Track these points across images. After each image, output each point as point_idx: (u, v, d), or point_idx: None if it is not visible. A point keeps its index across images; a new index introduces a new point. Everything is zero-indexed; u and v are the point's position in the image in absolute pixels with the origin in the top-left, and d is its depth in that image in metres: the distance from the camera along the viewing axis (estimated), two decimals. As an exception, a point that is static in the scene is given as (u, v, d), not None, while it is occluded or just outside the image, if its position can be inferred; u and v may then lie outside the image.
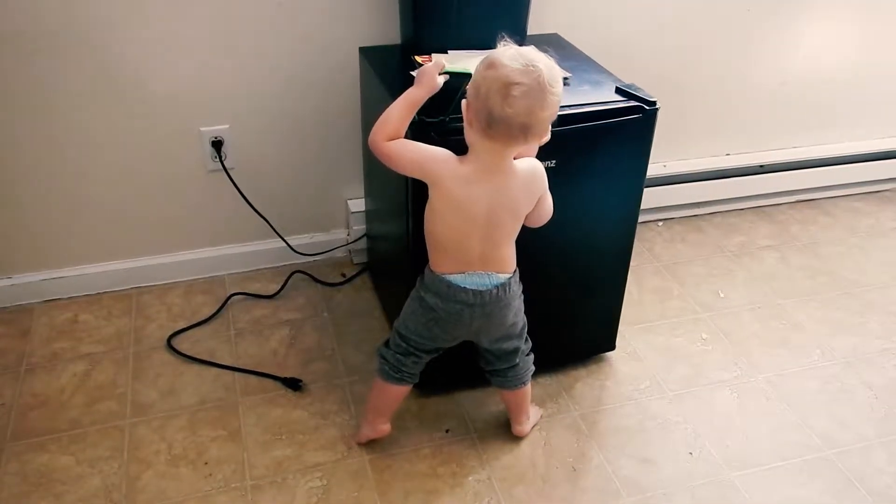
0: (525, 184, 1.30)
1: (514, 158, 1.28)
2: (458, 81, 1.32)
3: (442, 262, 1.36)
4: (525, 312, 1.46)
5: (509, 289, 1.38)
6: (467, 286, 1.35)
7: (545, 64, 1.18)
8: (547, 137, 1.26)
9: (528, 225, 1.36)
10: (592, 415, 1.67)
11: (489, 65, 1.19)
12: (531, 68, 1.16)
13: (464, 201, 1.28)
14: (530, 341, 1.52)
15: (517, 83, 1.15)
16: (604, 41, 1.87)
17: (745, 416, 1.68)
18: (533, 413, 1.62)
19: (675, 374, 1.79)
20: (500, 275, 1.36)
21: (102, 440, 1.57)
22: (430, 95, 1.29)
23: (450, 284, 1.35)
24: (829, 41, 2.28)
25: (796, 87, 2.32)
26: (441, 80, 1.30)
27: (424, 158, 1.28)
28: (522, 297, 1.44)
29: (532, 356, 1.54)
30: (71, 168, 1.83)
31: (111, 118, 1.79)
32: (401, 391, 1.51)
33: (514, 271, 1.39)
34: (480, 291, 1.35)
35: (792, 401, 1.73)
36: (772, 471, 1.56)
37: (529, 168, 1.30)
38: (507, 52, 1.19)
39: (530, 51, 1.19)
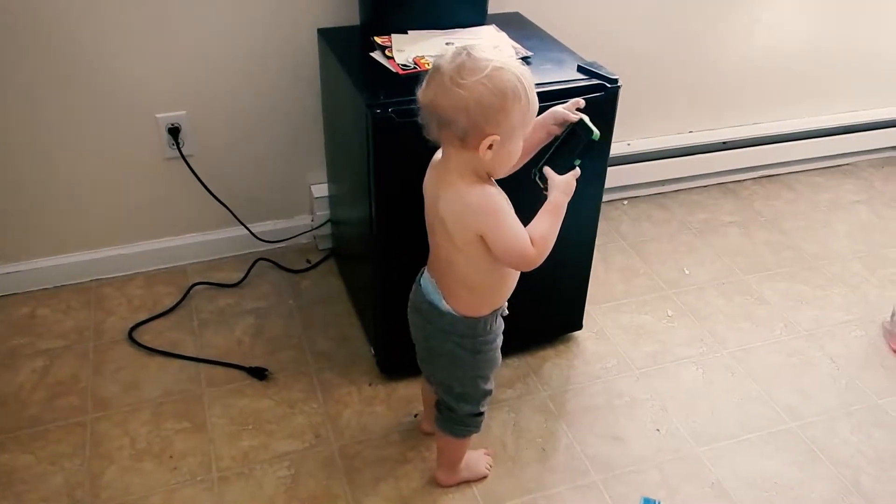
0: (454, 206, 1.16)
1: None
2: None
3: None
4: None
5: (441, 318, 1.25)
6: (420, 282, 1.31)
7: (474, 56, 1.08)
8: (479, 151, 1.10)
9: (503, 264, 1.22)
10: (561, 395, 1.68)
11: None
12: (454, 56, 1.09)
13: (426, 183, 1.24)
14: (478, 409, 1.35)
15: (434, 67, 1.10)
16: (566, 19, 1.86)
17: (711, 391, 1.70)
18: (465, 472, 1.45)
19: (642, 351, 1.80)
20: (444, 301, 1.25)
21: (64, 437, 1.53)
22: None
23: (420, 273, 1.32)
24: (790, 17, 2.29)
25: (758, 64, 2.33)
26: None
27: None
28: (477, 356, 1.29)
29: (467, 427, 1.37)
30: (22, 158, 1.77)
31: (63, 106, 1.74)
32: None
33: (465, 317, 1.24)
34: (422, 292, 1.29)
35: (756, 374, 1.75)
36: (738, 444, 1.58)
37: (466, 194, 1.14)
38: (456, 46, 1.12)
39: (488, 49, 1.11)
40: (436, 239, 1.24)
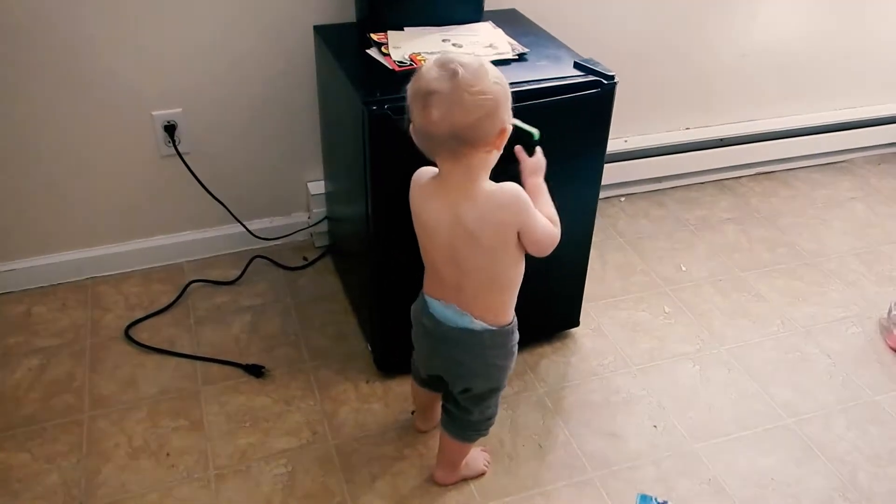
0: (485, 212, 1.15)
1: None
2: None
3: (426, 281, 1.30)
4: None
5: (478, 339, 1.25)
6: (434, 312, 1.27)
7: (464, 63, 1.08)
8: (496, 145, 1.13)
9: (530, 253, 1.23)
10: (558, 391, 1.68)
11: (413, 78, 1.12)
12: (443, 72, 1.07)
13: (420, 215, 1.22)
14: (493, 411, 1.38)
15: (431, 91, 1.08)
16: (562, 16, 1.86)
17: (708, 388, 1.70)
18: (464, 470, 1.46)
19: (639, 348, 1.80)
20: (476, 320, 1.23)
21: (60, 435, 1.53)
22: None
23: (424, 303, 1.30)
24: (787, 14, 2.29)
25: (755, 60, 2.33)
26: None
27: None
28: (508, 359, 1.30)
29: (479, 431, 1.39)
30: (17, 156, 1.76)
31: (58, 104, 1.73)
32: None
33: (503, 326, 1.26)
34: (443, 323, 1.26)
35: (753, 371, 1.75)
36: (734, 440, 1.58)
37: (495, 195, 1.15)
38: (430, 60, 1.12)
39: (453, 53, 1.13)
40: (457, 259, 1.20)
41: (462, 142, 1.10)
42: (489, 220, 1.16)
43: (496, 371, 1.31)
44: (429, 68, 1.10)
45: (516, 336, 1.31)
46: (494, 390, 1.35)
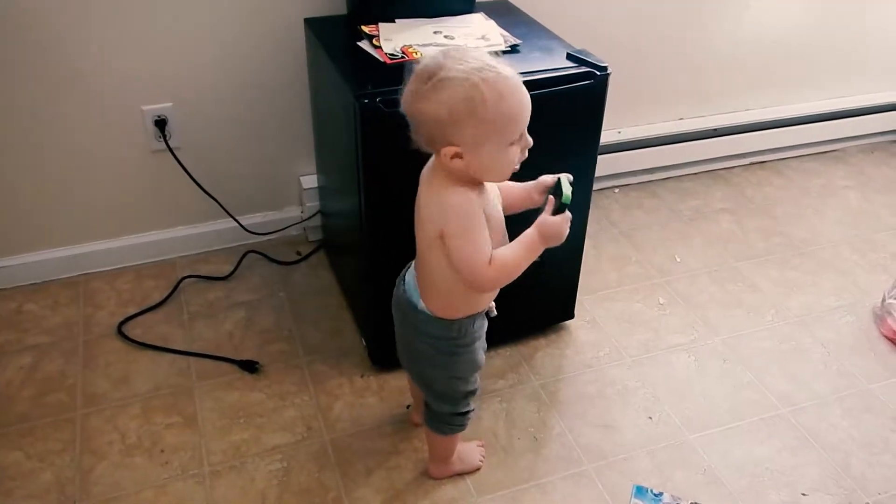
0: (429, 200, 1.14)
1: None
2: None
3: None
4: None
5: (417, 316, 1.23)
6: (406, 276, 1.28)
7: (449, 56, 1.04)
8: (448, 159, 1.06)
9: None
10: (553, 384, 1.67)
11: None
12: (427, 58, 1.06)
13: (420, 178, 1.21)
14: (459, 408, 1.34)
15: (417, 64, 1.07)
16: (554, 7, 1.85)
17: (703, 379, 1.70)
18: (459, 464, 1.45)
19: (634, 339, 1.80)
20: (420, 300, 1.22)
21: (53, 433, 1.52)
22: None
23: (406, 268, 1.31)
24: (779, 3, 2.29)
25: (747, 49, 2.33)
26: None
27: None
28: (453, 358, 1.26)
29: (450, 425, 1.36)
30: (7, 152, 1.75)
31: (47, 99, 1.71)
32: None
33: (439, 318, 1.22)
34: (403, 287, 1.27)
35: (748, 361, 1.75)
36: (729, 431, 1.58)
37: (444, 190, 1.11)
38: (482, 52, 1.08)
39: (465, 50, 1.07)
40: (416, 234, 1.22)
41: (420, 129, 1.08)
42: (428, 207, 1.14)
43: (432, 360, 1.27)
44: (437, 53, 1.07)
45: (461, 338, 1.24)
46: (435, 381, 1.30)
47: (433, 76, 1.03)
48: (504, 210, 1.21)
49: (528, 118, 1.08)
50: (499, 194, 1.21)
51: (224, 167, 1.94)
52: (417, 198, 1.19)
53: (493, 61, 1.05)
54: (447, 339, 1.24)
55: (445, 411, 1.34)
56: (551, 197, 1.17)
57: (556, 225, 1.14)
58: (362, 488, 1.43)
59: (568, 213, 1.15)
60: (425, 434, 1.43)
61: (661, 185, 2.41)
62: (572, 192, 1.15)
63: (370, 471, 1.47)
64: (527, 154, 1.11)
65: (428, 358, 1.28)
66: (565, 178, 1.17)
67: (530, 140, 1.10)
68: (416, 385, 1.44)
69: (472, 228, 1.11)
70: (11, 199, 1.81)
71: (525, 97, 1.06)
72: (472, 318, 1.25)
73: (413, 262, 1.29)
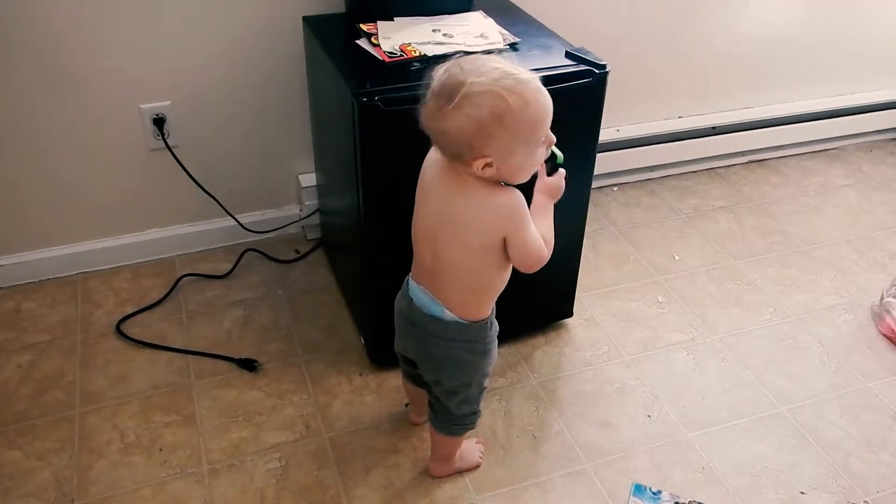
0: (476, 207, 1.12)
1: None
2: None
3: (413, 264, 1.28)
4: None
5: (448, 329, 1.22)
6: (412, 295, 1.26)
7: (465, 68, 1.03)
8: (482, 169, 1.07)
9: (514, 266, 1.21)
10: (551, 382, 1.67)
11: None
12: (445, 74, 1.04)
13: (425, 174, 1.20)
14: (472, 407, 1.35)
15: (430, 87, 1.06)
16: (553, 5, 1.84)
17: (701, 377, 1.71)
18: (459, 462, 1.46)
19: (633, 338, 1.80)
20: (448, 311, 1.21)
21: (51, 432, 1.52)
22: None
23: (407, 285, 1.29)
24: (778, 1, 2.28)
25: (746, 47, 2.33)
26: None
27: None
28: (481, 356, 1.27)
29: (465, 426, 1.37)
30: (4, 151, 1.74)
31: (45, 98, 1.71)
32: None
33: (476, 321, 1.23)
34: (417, 307, 1.25)
35: (746, 360, 1.75)
36: (728, 429, 1.58)
37: (492, 194, 1.12)
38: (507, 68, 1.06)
39: (478, 58, 1.07)
40: (437, 248, 1.18)
41: (442, 144, 1.09)
42: (477, 217, 1.13)
43: (466, 366, 1.28)
44: (451, 65, 1.05)
45: (491, 333, 1.27)
46: (465, 385, 1.31)
47: (454, 93, 1.02)
48: None
49: (551, 117, 1.09)
50: None
51: (222, 165, 1.93)
52: (437, 196, 1.16)
53: (510, 67, 1.05)
54: (482, 340, 1.26)
55: (467, 412, 1.35)
56: (542, 163, 1.21)
57: (555, 182, 1.23)
58: (361, 487, 1.43)
59: (562, 170, 1.23)
60: (431, 435, 1.43)
61: (659, 183, 2.41)
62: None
63: (369, 469, 1.47)
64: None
65: (461, 364, 1.28)
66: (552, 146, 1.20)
67: (553, 136, 1.12)
68: (417, 390, 1.43)
69: (527, 219, 1.15)
70: (9, 198, 1.81)
71: (547, 98, 1.08)
72: (494, 310, 1.28)
73: (410, 277, 1.28)
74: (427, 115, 1.08)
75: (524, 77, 1.05)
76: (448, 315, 1.22)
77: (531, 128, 1.06)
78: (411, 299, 1.26)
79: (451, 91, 1.03)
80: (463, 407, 1.34)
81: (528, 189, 1.19)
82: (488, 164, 1.07)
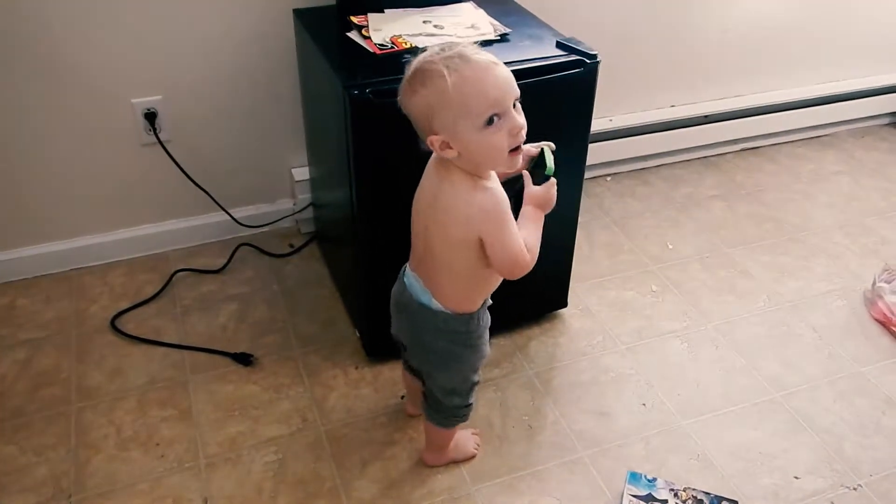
0: (458, 202, 1.13)
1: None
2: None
3: (411, 252, 1.28)
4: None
5: (434, 317, 1.23)
6: (406, 280, 1.27)
7: (432, 51, 1.08)
8: (441, 150, 1.09)
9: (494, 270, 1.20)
10: (547, 372, 1.68)
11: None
12: (412, 61, 1.09)
13: (426, 171, 1.21)
14: (464, 400, 1.35)
15: (411, 67, 1.10)
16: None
17: (696, 365, 1.71)
18: (454, 452, 1.46)
19: (627, 327, 1.81)
20: (434, 300, 1.22)
21: (48, 427, 1.52)
22: None
23: (403, 270, 1.30)
24: (768, -12, 2.29)
25: (737, 35, 2.33)
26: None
27: None
28: (468, 351, 1.28)
29: (455, 417, 1.38)
30: (-5, 147, 1.74)
31: (36, 93, 1.71)
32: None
33: (462, 314, 1.23)
34: (406, 291, 1.26)
35: (740, 347, 1.76)
36: (723, 416, 1.59)
37: (474, 191, 1.12)
38: (468, 44, 1.10)
39: (446, 44, 1.09)
40: (427, 236, 1.20)
41: (413, 122, 1.12)
42: (457, 208, 1.14)
43: (450, 357, 1.28)
44: (434, 51, 1.08)
45: (479, 329, 1.27)
46: (452, 377, 1.31)
47: (413, 77, 1.08)
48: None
49: (504, 99, 1.06)
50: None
51: (215, 160, 1.93)
52: (429, 189, 1.18)
53: (468, 51, 1.07)
54: (466, 332, 1.26)
55: (456, 404, 1.35)
56: (526, 172, 1.21)
57: (545, 194, 1.21)
58: (358, 479, 1.44)
59: (552, 180, 1.20)
60: (424, 426, 1.44)
61: (652, 172, 2.41)
62: (555, 162, 1.19)
63: (366, 461, 1.47)
64: (522, 138, 1.10)
65: (446, 355, 1.28)
66: (548, 149, 1.20)
67: (518, 122, 1.08)
68: (413, 378, 1.44)
69: (507, 220, 1.14)
70: (2, 195, 1.80)
71: (494, 78, 1.06)
72: (484, 306, 1.28)
73: (408, 265, 1.29)
74: (400, 102, 1.12)
75: (473, 57, 1.06)
76: (435, 304, 1.23)
77: (465, 100, 1.05)
78: (405, 284, 1.28)
79: (411, 75, 1.09)
80: (453, 399, 1.34)
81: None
82: (446, 144, 1.09)
